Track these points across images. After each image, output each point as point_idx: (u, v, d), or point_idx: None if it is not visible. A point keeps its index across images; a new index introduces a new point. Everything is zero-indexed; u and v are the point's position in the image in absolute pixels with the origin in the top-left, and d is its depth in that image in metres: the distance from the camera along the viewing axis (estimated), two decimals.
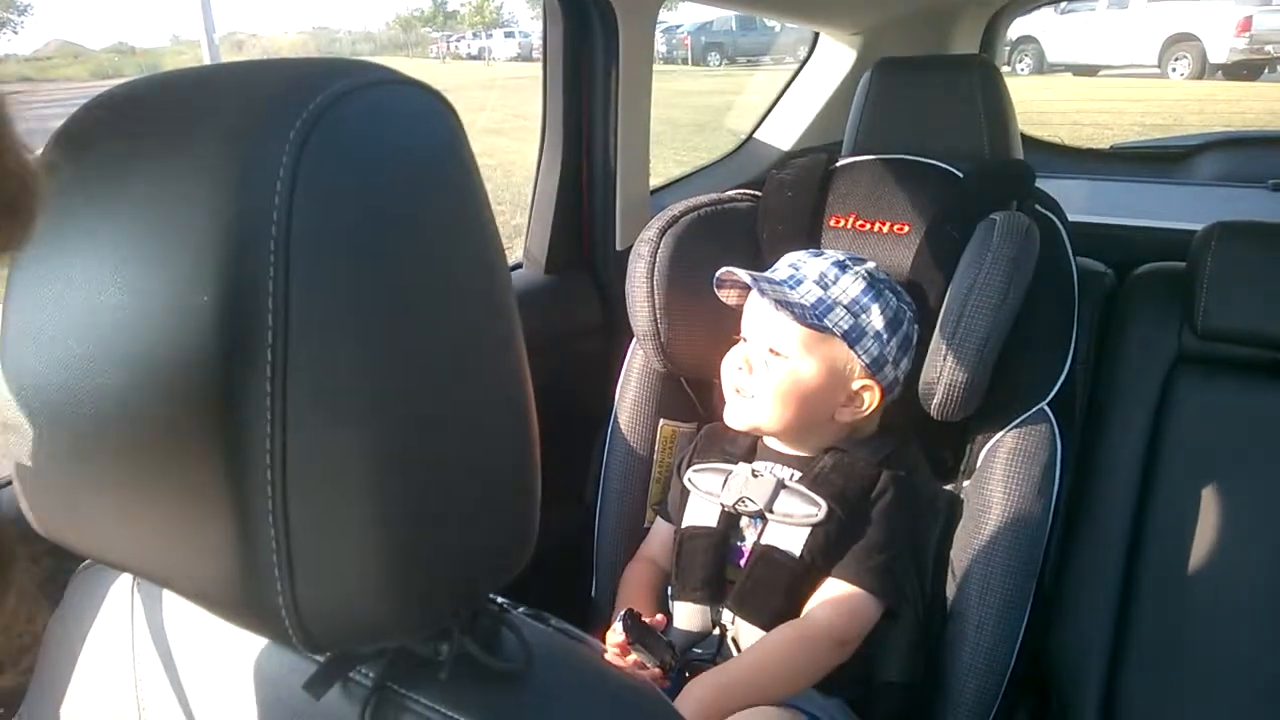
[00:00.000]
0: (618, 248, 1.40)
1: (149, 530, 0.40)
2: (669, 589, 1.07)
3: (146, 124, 0.40)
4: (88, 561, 0.61)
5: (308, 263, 0.36)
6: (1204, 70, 9.44)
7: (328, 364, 0.36)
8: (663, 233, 1.16)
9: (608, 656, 0.97)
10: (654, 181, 1.50)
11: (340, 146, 0.37)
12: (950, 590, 1.04)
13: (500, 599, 0.51)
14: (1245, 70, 9.39)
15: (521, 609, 0.53)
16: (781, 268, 1.07)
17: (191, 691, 0.54)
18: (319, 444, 0.37)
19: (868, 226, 1.18)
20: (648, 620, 0.96)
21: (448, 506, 0.40)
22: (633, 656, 0.94)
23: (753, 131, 1.75)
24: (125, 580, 0.58)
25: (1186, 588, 1.11)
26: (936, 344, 1.02)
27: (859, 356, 1.01)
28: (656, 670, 0.93)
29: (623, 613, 0.94)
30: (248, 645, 0.52)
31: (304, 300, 0.36)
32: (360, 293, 0.37)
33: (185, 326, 0.36)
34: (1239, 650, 1.09)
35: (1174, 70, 9.63)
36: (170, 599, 0.56)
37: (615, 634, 0.95)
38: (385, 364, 0.37)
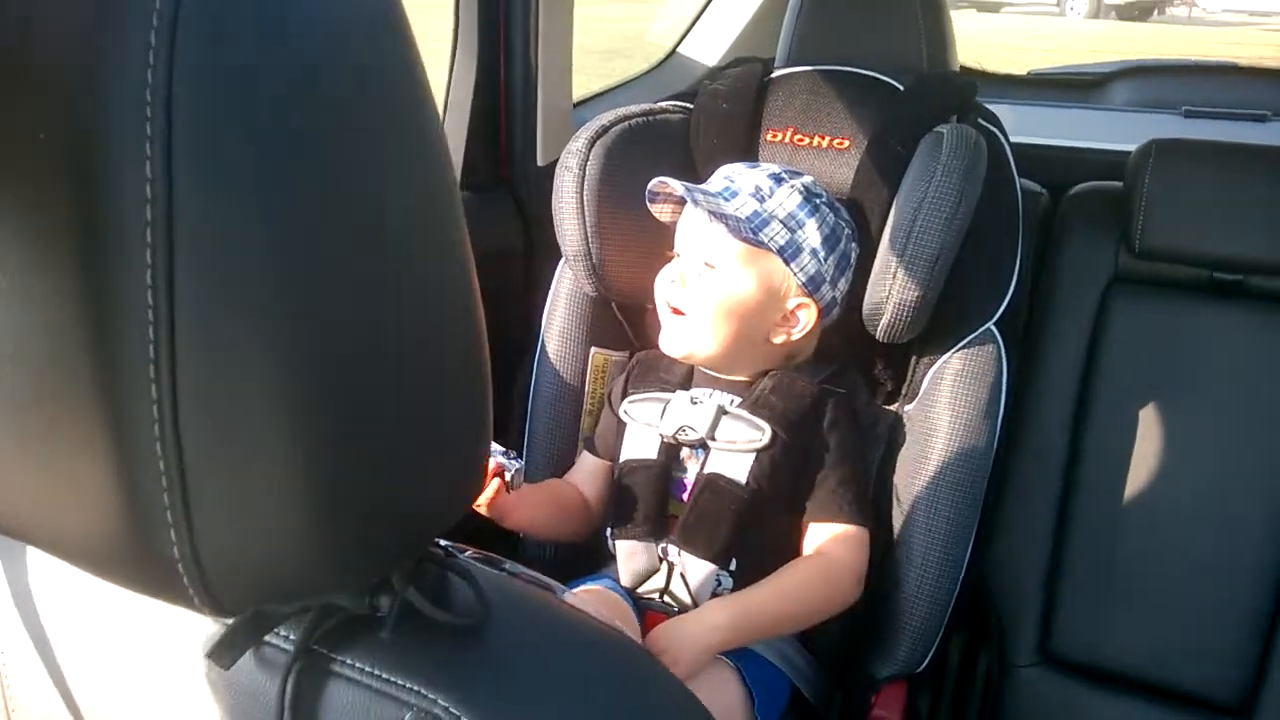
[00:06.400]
0: (539, 163, 1.30)
1: (6, 478, 0.32)
2: (608, 529, 1.02)
3: None
4: None
5: (195, 121, 0.27)
6: (1099, 10, 9.70)
7: (226, 250, 0.28)
8: (591, 144, 1.07)
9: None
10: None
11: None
12: (895, 516, 1.02)
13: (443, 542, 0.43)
14: (1137, 11, 9.71)
15: (470, 552, 0.46)
16: (716, 179, 1.02)
17: (68, 665, 0.45)
18: (217, 352, 0.28)
19: (806, 141, 1.12)
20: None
21: (387, 429, 0.32)
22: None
23: (677, 44, 1.65)
24: None
25: (1122, 504, 1.12)
26: (884, 262, 0.97)
27: (795, 274, 0.97)
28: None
29: None
30: (135, 607, 0.43)
31: (192, 166, 0.27)
32: (266, 158, 0.28)
33: (28, 198, 0.28)
34: (1174, 564, 1.11)
35: (1071, 9, 9.87)
36: (35, 556, 0.47)
37: None
38: (303, 250, 0.29)
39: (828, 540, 0.96)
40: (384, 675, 0.37)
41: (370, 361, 0.31)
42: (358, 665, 0.38)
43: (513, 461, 0.91)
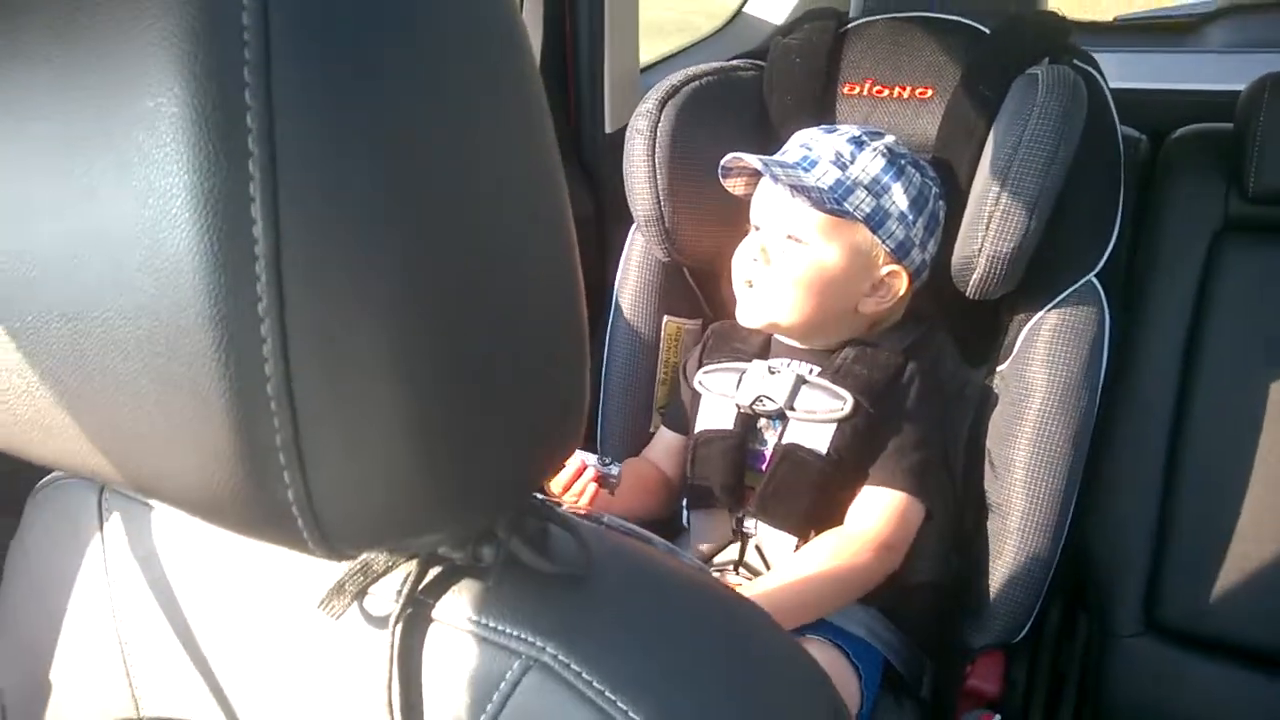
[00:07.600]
0: (608, 130, 1.28)
1: (120, 428, 0.32)
2: (685, 499, 0.99)
3: None
4: (52, 475, 0.54)
5: (296, 55, 0.27)
6: None
7: (331, 189, 0.27)
8: (662, 104, 1.04)
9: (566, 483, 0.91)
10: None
11: None
12: (989, 481, 0.97)
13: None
14: None
15: (566, 506, 0.45)
16: (792, 148, 0.97)
17: (181, 619, 0.47)
18: (327, 294, 0.28)
19: (886, 92, 1.07)
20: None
21: (492, 372, 0.31)
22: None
23: (743, 4, 1.60)
24: (93, 493, 0.51)
25: (1235, 466, 1.05)
26: (976, 212, 0.92)
27: (883, 241, 0.92)
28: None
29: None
30: (247, 562, 0.44)
31: (294, 108, 0.27)
32: (367, 88, 0.28)
33: (130, 158, 0.27)
34: None
35: None
36: (148, 513, 0.48)
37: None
38: (410, 186, 0.28)
39: (863, 509, 0.91)
40: (490, 624, 0.37)
41: (475, 301, 0.31)
42: (464, 614, 0.38)
43: (611, 467, 0.91)
